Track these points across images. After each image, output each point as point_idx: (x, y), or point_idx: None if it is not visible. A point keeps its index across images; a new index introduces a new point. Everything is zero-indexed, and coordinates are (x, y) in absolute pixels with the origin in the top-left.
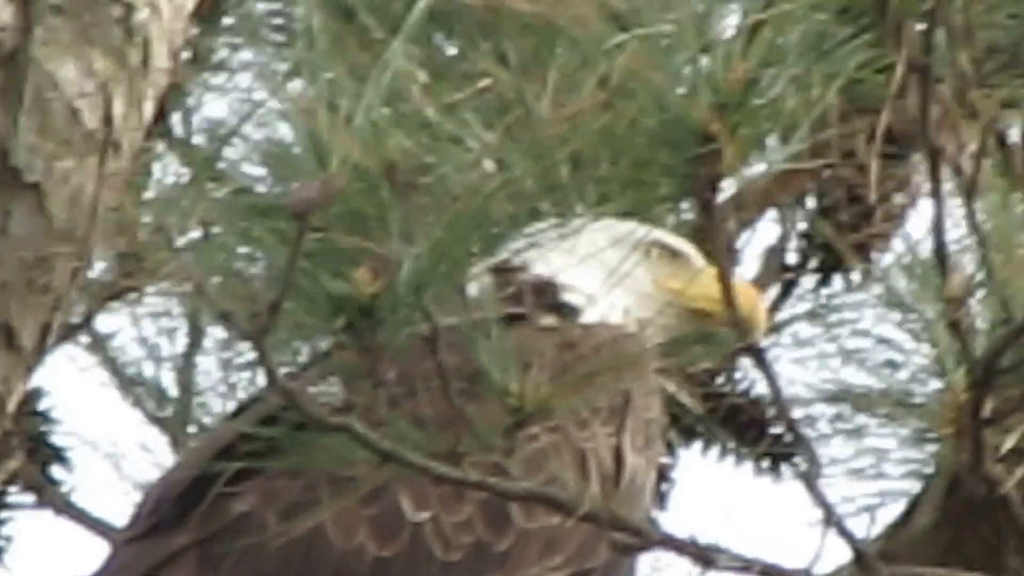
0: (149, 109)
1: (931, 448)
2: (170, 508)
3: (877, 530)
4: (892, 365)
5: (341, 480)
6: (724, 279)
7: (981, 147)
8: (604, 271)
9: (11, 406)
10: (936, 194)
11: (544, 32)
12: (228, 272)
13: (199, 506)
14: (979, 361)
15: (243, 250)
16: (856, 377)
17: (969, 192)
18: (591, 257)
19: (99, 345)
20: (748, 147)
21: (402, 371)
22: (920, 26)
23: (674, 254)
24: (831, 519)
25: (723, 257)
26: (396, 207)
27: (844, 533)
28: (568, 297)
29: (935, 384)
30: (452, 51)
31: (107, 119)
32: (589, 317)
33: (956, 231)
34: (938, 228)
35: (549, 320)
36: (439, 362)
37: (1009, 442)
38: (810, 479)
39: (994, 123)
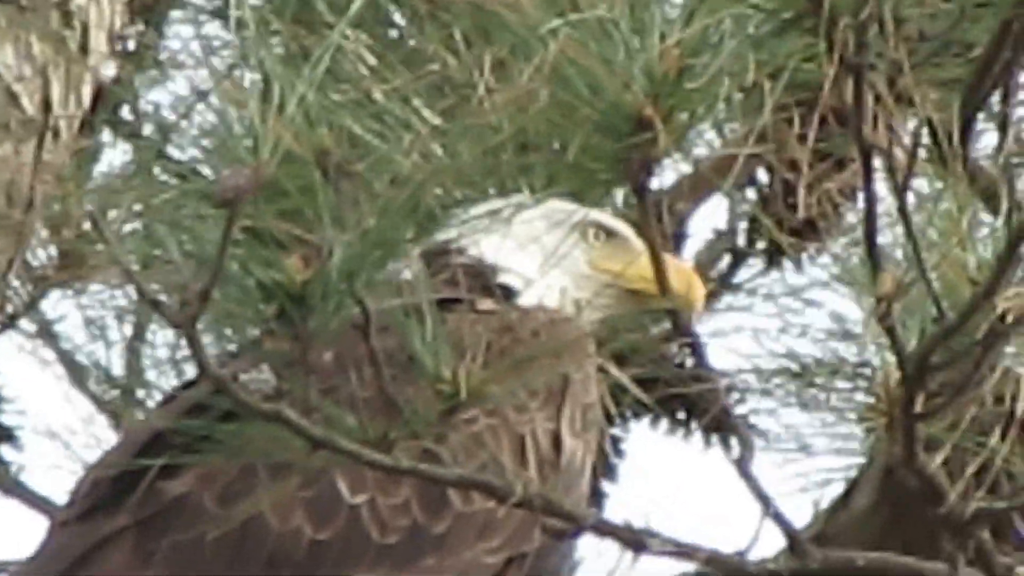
0: (87, 94)
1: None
2: (106, 491)
3: (816, 512)
4: (846, 336)
5: (278, 463)
6: (656, 260)
7: (915, 140)
8: (541, 253)
9: None
10: (868, 192)
11: (482, 17)
12: (159, 261)
13: (135, 489)
14: (911, 357)
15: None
16: (807, 350)
17: (902, 189)
18: (527, 239)
19: (45, 328)
20: (682, 132)
21: (336, 357)
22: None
23: (611, 234)
24: (765, 505)
25: (656, 240)
26: (328, 194)
27: (778, 519)
28: (504, 279)
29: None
30: (397, 32)
31: (46, 104)
32: (527, 300)
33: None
34: (870, 226)
35: (487, 304)
36: (371, 349)
37: (948, 443)
38: (743, 466)
39: (927, 112)
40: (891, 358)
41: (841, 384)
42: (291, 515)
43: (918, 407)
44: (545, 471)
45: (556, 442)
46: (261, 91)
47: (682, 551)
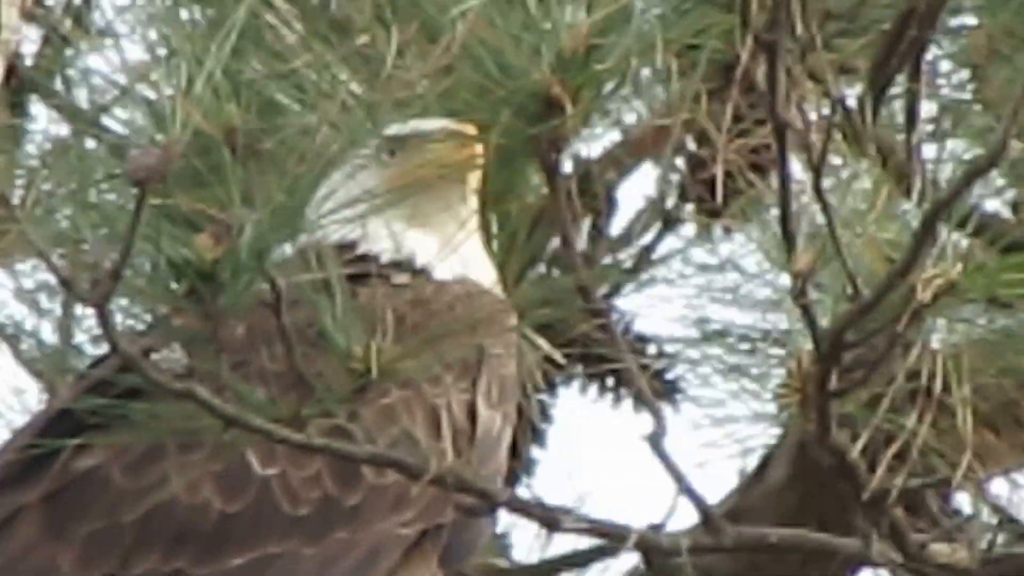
0: (0, 70)
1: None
2: (17, 466)
3: (731, 485)
4: (769, 303)
5: (188, 436)
6: (568, 246)
7: (830, 118)
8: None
9: None
10: (782, 170)
11: None
12: (69, 239)
13: (46, 463)
14: (825, 335)
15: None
16: (735, 317)
17: (817, 168)
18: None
19: None
20: (591, 110)
21: (247, 333)
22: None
23: (399, 142)
24: (679, 482)
25: (567, 219)
26: (236, 171)
27: (691, 495)
28: (364, 249)
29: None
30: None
31: None
32: (386, 255)
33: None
34: (784, 204)
35: (401, 277)
36: (282, 326)
37: (864, 423)
38: (656, 442)
39: (838, 90)
40: (805, 335)
41: (765, 350)
42: (200, 488)
43: (832, 385)
44: (460, 443)
45: (472, 414)
46: (170, 68)
47: (595, 528)
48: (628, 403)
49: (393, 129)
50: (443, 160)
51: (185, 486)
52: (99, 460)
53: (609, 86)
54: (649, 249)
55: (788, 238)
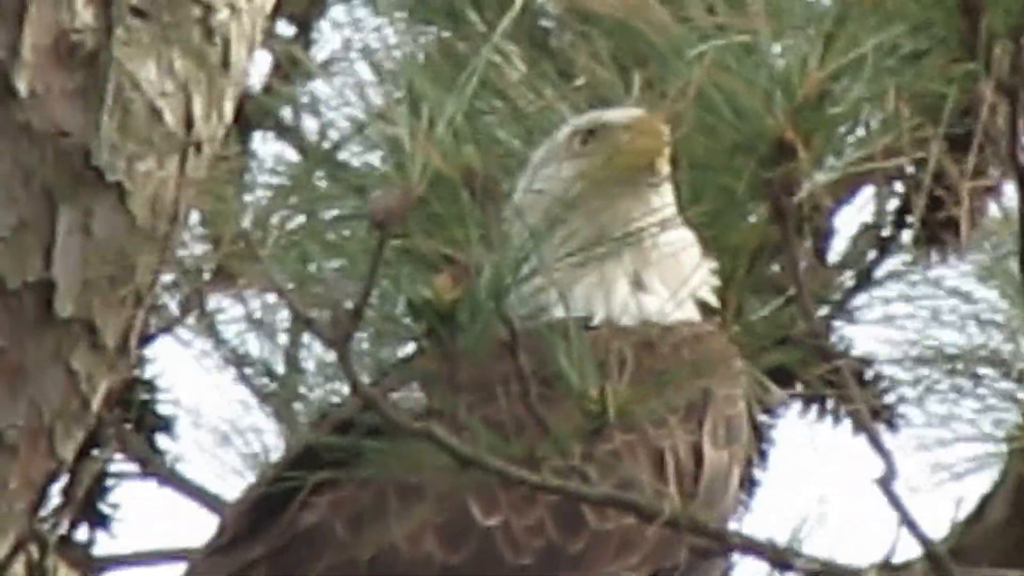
0: (229, 109)
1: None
2: (248, 520)
3: (951, 525)
4: (984, 323)
5: (410, 488)
6: (800, 293)
7: None
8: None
9: (95, 404)
10: (1023, 215)
11: (629, 38)
12: (309, 279)
13: (274, 517)
14: None
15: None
16: (952, 338)
17: None
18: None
19: (206, 322)
20: (822, 153)
21: (480, 375)
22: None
23: (591, 133)
24: (910, 525)
25: (798, 259)
26: (475, 213)
27: (918, 534)
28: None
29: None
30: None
31: (188, 119)
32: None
33: None
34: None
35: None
36: (519, 367)
37: None
38: (886, 484)
39: None
40: None
41: (985, 371)
42: (422, 540)
43: None
44: (686, 485)
45: (697, 455)
46: (410, 110)
47: (827, 569)
48: (847, 424)
49: (581, 120)
50: (633, 149)
51: (408, 538)
52: (322, 515)
53: (841, 130)
54: (867, 273)
55: None
